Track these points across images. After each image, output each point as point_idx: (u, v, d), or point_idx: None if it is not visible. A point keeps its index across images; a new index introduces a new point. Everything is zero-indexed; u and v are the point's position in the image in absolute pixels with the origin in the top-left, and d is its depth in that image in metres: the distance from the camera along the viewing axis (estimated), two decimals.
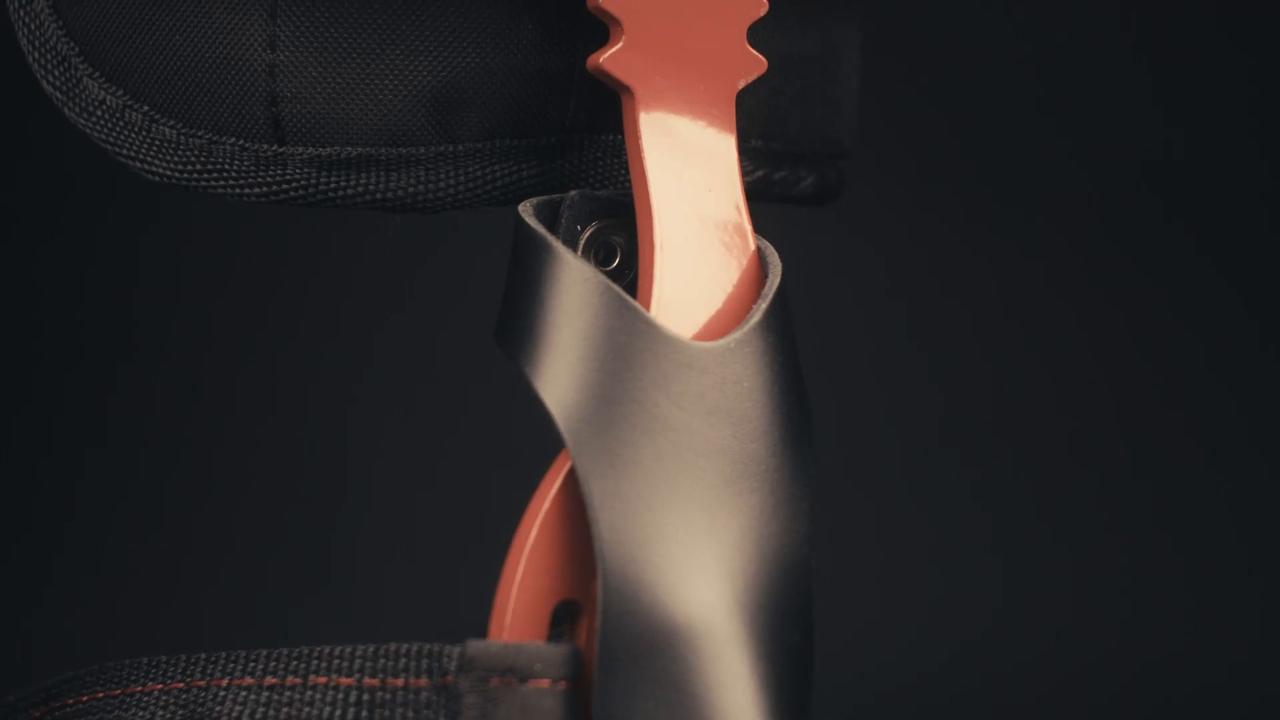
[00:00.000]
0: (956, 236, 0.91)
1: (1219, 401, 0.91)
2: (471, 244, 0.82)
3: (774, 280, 0.41)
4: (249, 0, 0.41)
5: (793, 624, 0.40)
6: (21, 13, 0.42)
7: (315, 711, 0.39)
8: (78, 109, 0.43)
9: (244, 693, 0.39)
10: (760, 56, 0.42)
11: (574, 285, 0.39)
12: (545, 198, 0.42)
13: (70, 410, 0.86)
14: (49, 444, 0.87)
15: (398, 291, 0.89)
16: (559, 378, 0.39)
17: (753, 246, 0.41)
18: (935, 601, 0.89)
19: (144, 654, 0.41)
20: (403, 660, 0.39)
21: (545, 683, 0.38)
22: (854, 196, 0.52)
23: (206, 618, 0.86)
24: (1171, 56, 0.90)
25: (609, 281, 0.39)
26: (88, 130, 0.43)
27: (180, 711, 0.40)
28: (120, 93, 0.42)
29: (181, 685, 0.40)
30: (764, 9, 0.42)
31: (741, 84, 0.42)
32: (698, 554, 0.39)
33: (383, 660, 0.39)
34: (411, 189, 0.43)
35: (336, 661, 0.39)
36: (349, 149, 0.42)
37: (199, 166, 0.42)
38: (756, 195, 0.47)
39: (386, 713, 0.38)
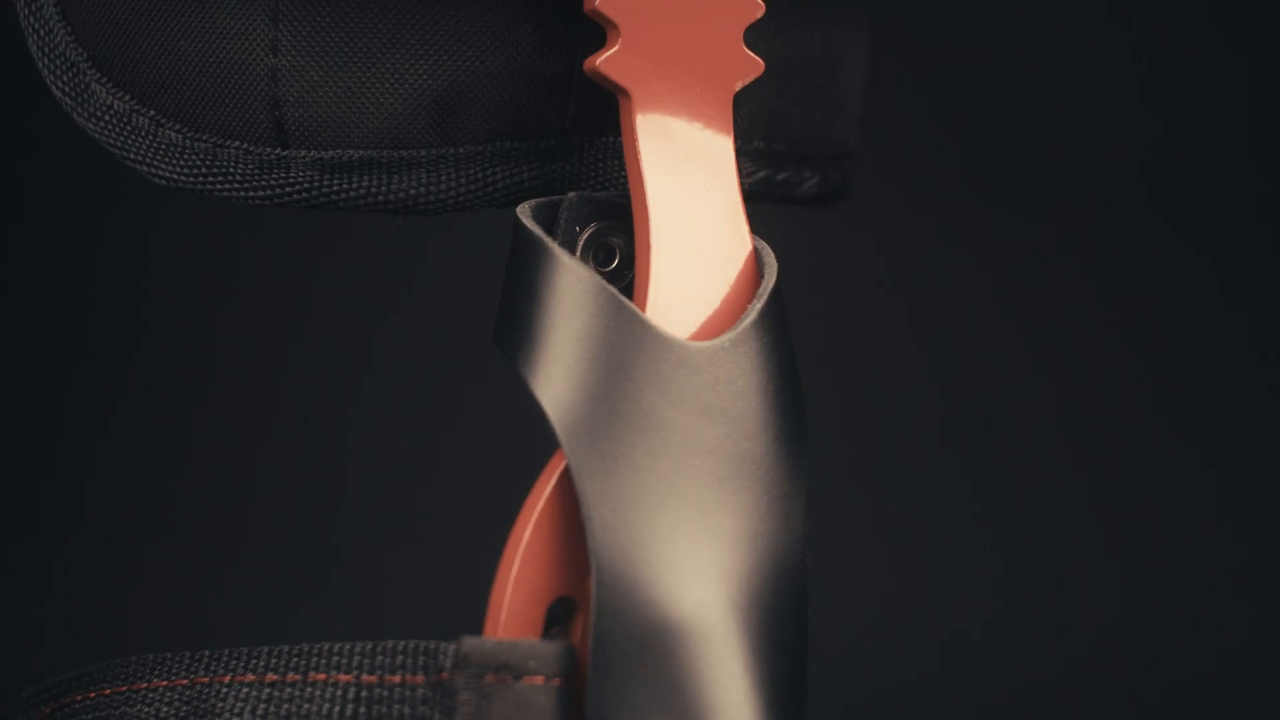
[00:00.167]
0: (956, 236, 0.91)
1: (1217, 402, 0.91)
2: (472, 245, 0.82)
3: (769, 280, 0.41)
4: (252, 6, 0.42)
5: (787, 622, 0.40)
6: (31, 19, 0.43)
7: (315, 707, 0.39)
8: (86, 114, 0.43)
9: (246, 689, 0.40)
10: (757, 58, 0.42)
11: (569, 286, 0.39)
12: (544, 199, 0.42)
13: (75, 411, 0.86)
14: (54, 445, 0.87)
15: (398, 292, 0.89)
16: (554, 378, 0.39)
17: (749, 247, 0.41)
18: (933, 601, 0.89)
19: (150, 651, 0.42)
20: (399, 657, 0.39)
21: (539, 679, 0.38)
22: (854, 196, 0.52)
23: (210, 616, 0.86)
24: (1171, 57, 0.90)
25: (604, 282, 0.39)
26: (96, 135, 0.43)
27: (184, 707, 0.40)
28: (127, 97, 0.43)
29: (186, 682, 0.40)
30: (761, 11, 0.42)
31: (739, 86, 0.42)
32: (692, 552, 0.39)
33: (380, 657, 0.39)
34: (413, 191, 0.43)
35: (335, 658, 0.39)
36: (351, 152, 0.43)
37: (204, 170, 0.43)
38: (759, 196, 0.47)
39: (384, 709, 0.39)
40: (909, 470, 0.90)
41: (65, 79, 0.43)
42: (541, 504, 0.39)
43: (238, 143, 0.42)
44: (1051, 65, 0.90)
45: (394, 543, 0.88)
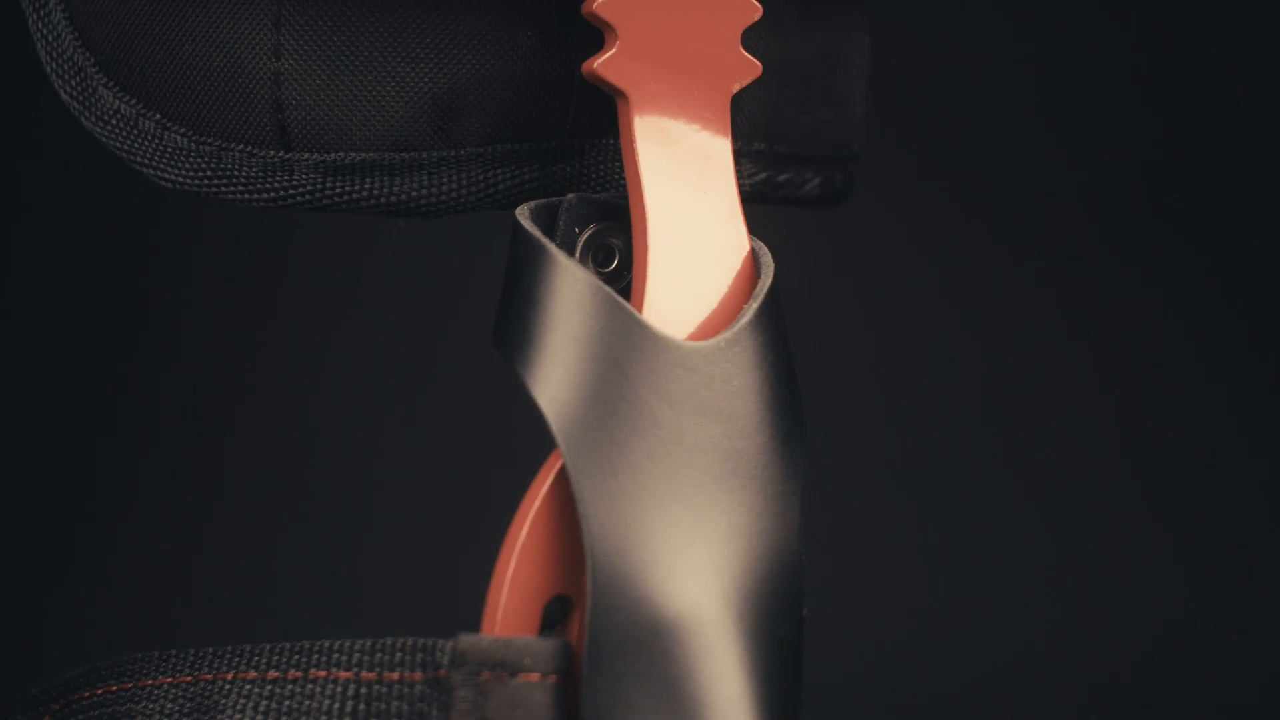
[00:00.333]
0: (955, 237, 0.91)
1: (1217, 402, 0.91)
2: (472, 246, 0.82)
3: (765, 281, 0.41)
4: (255, 10, 0.42)
5: (783, 619, 0.40)
6: (40, 25, 0.43)
7: (315, 704, 0.39)
8: (94, 118, 0.43)
9: (248, 686, 0.40)
10: (755, 60, 0.42)
11: (566, 287, 0.40)
12: (543, 201, 0.42)
13: (78, 411, 0.87)
14: (58, 445, 0.87)
15: (399, 293, 0.89)
16: (551, 378, 0.39)
17: (747, 248, 0.42)
18: (932, 600, 0.89)
19: (155, 649, 0.42)
20: (398, 655, 0.39)
21: (535, 676, 0.38)
22: (854, 197, 0.52)
23: (214, 614, 0.86)
24: (1171, 57, 0.90)
25: (601, 283, 0.40)
26: (103, 139, 0.43)
27: (188, 703, 0.40)
28: (134, 102, 0.43)
29: (190, 679, 0.41)
30: (758, 13, 0.42)
31: (736, 88, 0.42)
32: (687, 550, 0.39)
33: (379, 655, 0.39)
34: (415, 193, 0.43)
35: (335, 656, 0.40)
36: (353, 154, 0.43)
37: (209, 173, 0.43)
38: (761, 198, 0.47)
39: (382, 705, 0.39)
40: (908, 470, 0.90)
41: (73, 84, 0.43)
42: (538, 503, 0.39)
43: (242, 146, 0.43)
44: (1051, 65, 0.90)
45: (394, 542, 0.88)
